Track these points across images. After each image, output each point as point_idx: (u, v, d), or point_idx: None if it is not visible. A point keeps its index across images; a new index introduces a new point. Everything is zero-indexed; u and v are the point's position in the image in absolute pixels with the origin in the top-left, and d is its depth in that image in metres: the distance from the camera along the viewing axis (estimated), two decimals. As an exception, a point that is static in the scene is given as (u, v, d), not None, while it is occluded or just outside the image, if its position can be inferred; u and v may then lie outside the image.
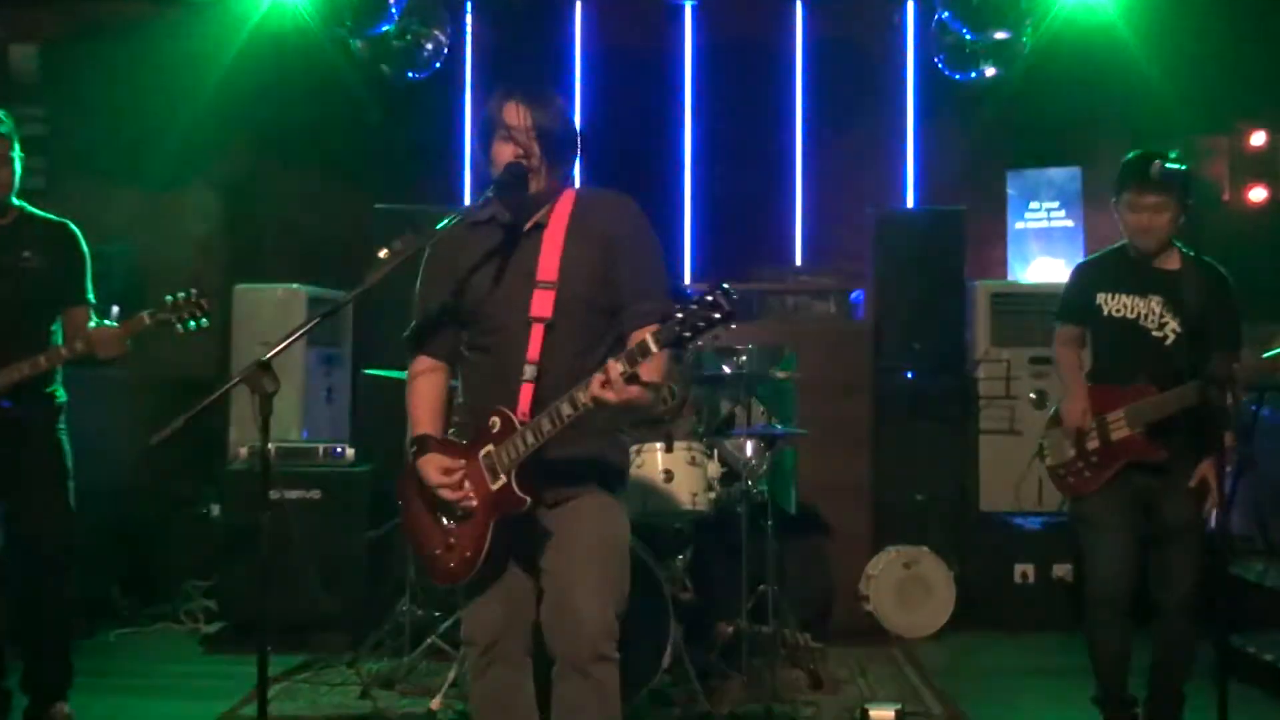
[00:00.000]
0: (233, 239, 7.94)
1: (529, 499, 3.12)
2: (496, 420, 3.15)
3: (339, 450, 6.41)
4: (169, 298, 4.43)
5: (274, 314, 6.86)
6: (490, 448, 3.15)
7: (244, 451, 6.45)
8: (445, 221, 3.16)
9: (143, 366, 5.70)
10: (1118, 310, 4.43)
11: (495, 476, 3.15)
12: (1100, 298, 4.47)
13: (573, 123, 3.28)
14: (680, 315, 2.75)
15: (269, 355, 3.03)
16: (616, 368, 2.87)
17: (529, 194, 3.21)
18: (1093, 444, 4.41)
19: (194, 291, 4.43)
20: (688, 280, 8.03)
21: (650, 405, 3.08)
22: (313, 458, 6.39)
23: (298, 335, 3.11)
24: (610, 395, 2.88)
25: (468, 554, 3.20)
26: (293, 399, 6.84)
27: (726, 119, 8.18)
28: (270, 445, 6.20)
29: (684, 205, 8.21)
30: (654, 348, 2.79)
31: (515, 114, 3.18)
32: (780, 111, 8.19)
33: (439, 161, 8.15)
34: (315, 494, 6.24)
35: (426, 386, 3.37)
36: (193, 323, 4.44)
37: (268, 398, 3.04)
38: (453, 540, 3.23)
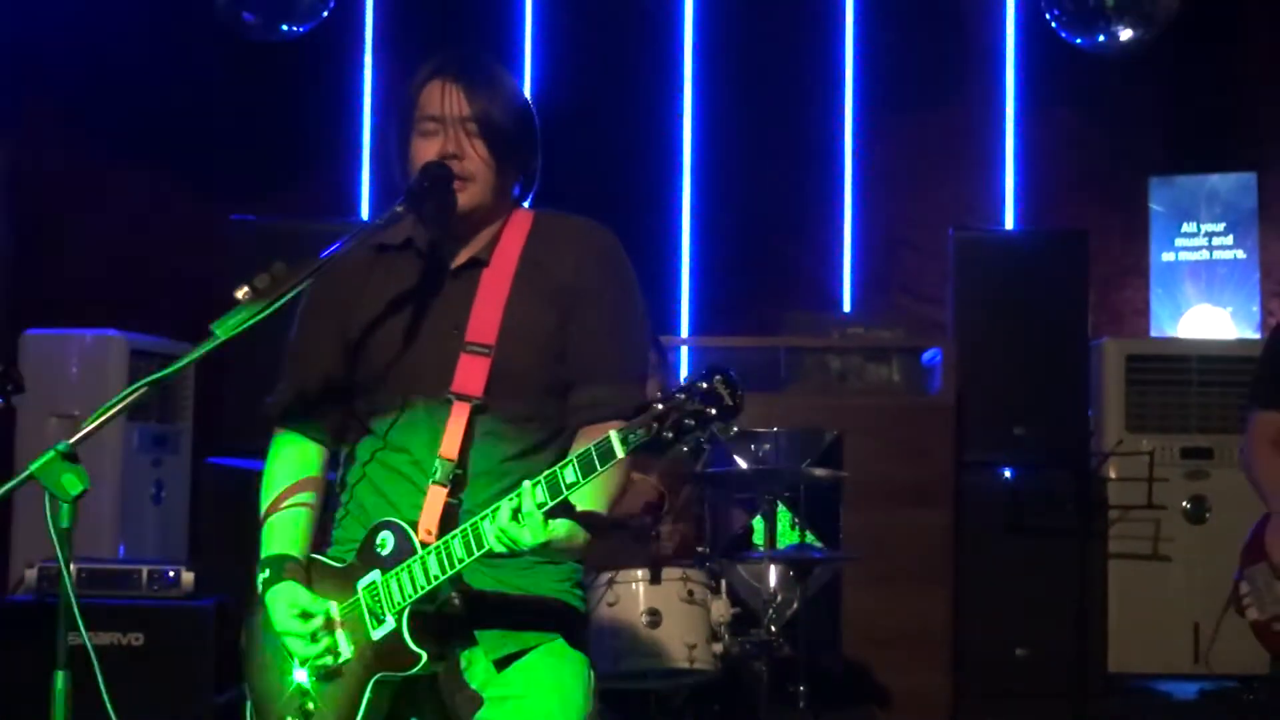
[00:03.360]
0: (18, 263, 7.92)
1: (423, 656, 3.09)
2: (388, 537, 3.14)
3: (172, 575, 6.35)
4: None
5: (79, 373, 6.85)
6: (375, 577, 3.14)
7: (31, 574, 6.41)
8: (336, 246, 3.15)
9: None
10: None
11: (379, 619, 3.13)
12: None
13: (530, 114, 3.30)
14: (661, 408, 2.75)
15: (74, 440, 3.01)
16: (530, 496, 2.86)
17: (458, 211, 3.22)
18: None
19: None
20: (684, 334, 8.04)
21: (584, 550, 3.08)
22: (134, 585, 6.34)
23: (114, 411, 3.08)
24: (524, 535, 2.87)
25: None
26: (105, 499, 6.82)
27: (743, 102, 8.25)
28: (73, 566, 6.23)
29: (681, 226, 8.26)
30: (619, 450, 2.79)
31: (444, 99, 3.19)
32: (821, 90, 8.26)
33: (324, 156, 8.18)
34: (136, 639, 6.19)
35: (294, 484, 3.35)
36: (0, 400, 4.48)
37: (70, 502, 3.00)
38: (311, 706, 3.21)
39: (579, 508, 2.93)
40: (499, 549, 2.94)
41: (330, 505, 3.41)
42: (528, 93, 7.64)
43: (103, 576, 6.30)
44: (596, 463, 2.82)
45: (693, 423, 2.74)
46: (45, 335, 7.04)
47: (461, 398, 3.18)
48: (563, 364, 3.22)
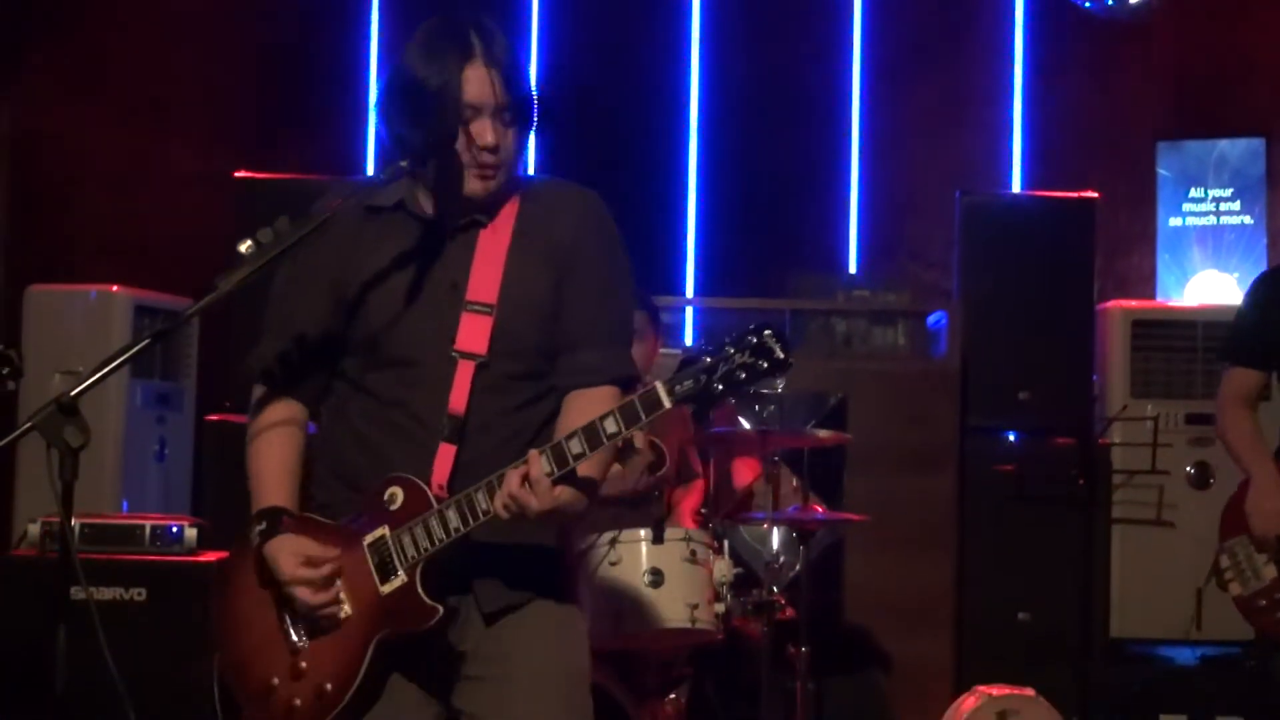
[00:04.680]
0: (22, 219, 7.92)
1: (440, 610, 3.10)
2: (397, 492, 3.14)
3: (175, 530, 6.36)
4: None
5: (83, 329, 6.85)
6: (383, 532, 3.13)
7: (34, 530, 6.42)
8: (336, 200, 3.16)
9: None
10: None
11: (388, 575, 3.13)
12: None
13: (529, 71, 3.31)
14: (709, 360, 2.79)
15: (75, 391, 3.00)
16: (538, 462, 2.92)
17: (482, 195, 3.22)
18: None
19: None
20: (690, 295, 8.03)
21: (584, 509, 3.12)
22: (137, 541, 6.35)
23: (117, 364, 3.08)
24: (532, 502, 2.93)
25: (327, 688, 3.15)
26: (108, 455, 6.84)
27: (750, 64, 8.23)
28: (76, 522, 6.24)
29: (687, 187, 8.25)
30: (666, 401, 2.84)
31: (490, 87, 3.16)
32: (829, 52, 8.24)
33: (329, 113, 8.16)
34: (139, 594, 6.20)
35: (280, 439, 3.35)
36: None
37: (72, 454, 3.00)
38: (305, 665, 3.19)
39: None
40: (505, 516, 2.98)
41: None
42: (533, 52, 7.57)
43: (106, 532, 6.31)
44: (641, 413, 2.88)
45: (743, 375, 2.79)
46: (49, 291, 7.05)
47: (466, 355, 3.18)
48: (556, 325, 3.23)
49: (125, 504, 6.89)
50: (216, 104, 8.01)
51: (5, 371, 4.48)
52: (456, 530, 3.06)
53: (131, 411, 7.02)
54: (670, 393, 2.82)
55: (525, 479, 2.93)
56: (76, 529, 6.24)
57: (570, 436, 2.94)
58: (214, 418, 6.91)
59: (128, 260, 7.50)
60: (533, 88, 3.24)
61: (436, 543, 3.08)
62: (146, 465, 7.13)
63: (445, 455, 3.15)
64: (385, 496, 3.15)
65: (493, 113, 3.16)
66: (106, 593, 6.07)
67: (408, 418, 3.21)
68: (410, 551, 3.11)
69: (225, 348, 6.94)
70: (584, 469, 2.98)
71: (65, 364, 6.52)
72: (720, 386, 2.79)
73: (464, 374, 3.18)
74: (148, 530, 6.36)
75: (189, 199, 7.60)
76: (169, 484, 7.25)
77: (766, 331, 2.78)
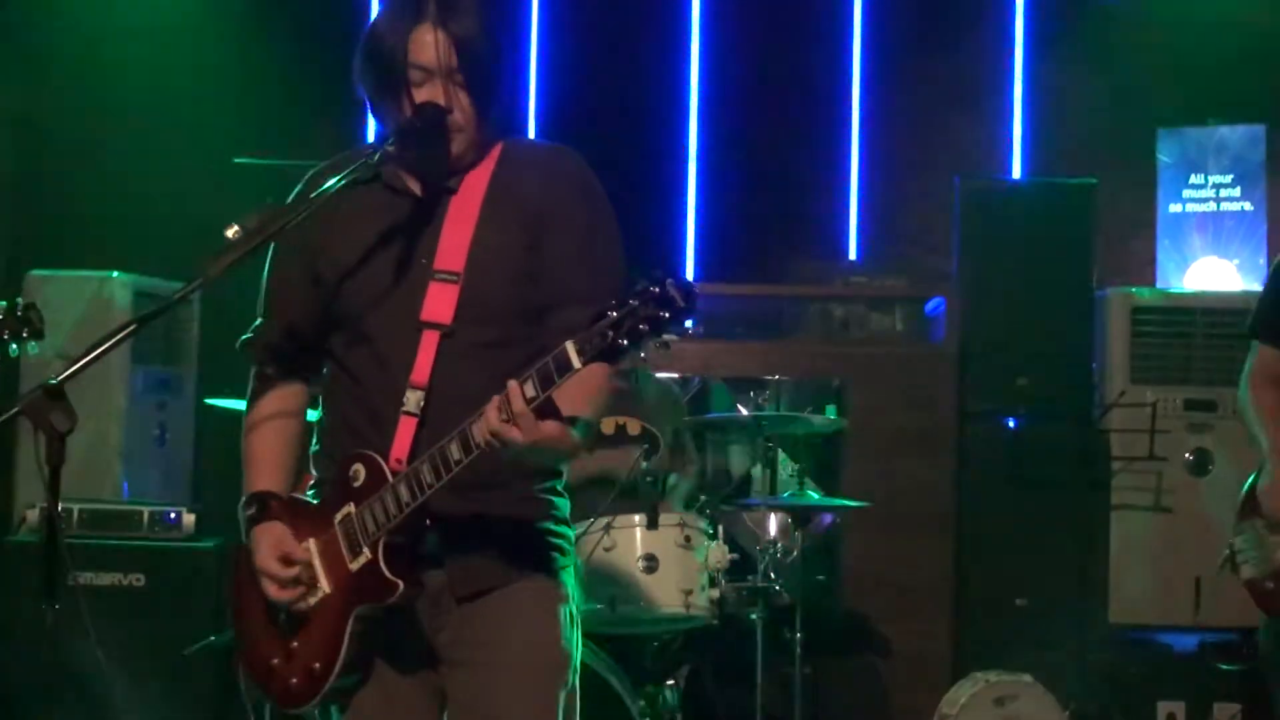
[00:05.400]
0: (22, 203, 7.91)
1: (400, 585, 3.10)
2: (360, 469, 3.15)
3: (173, 516, 6.38)
4: None
5: (84, 314, 6.84)
6: (350, 509, 3.15)
7: (33, 515, 6.43)
8: (329, 184, 3.14)
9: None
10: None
11: (356, 552, 3.14)
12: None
13: (506, 52, 3.27)
14: (613, 314, 2.75)
15: (61, 377, 3.01)
16: (520, 392, 2.86)
17: (446, 156, 3.20)
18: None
19: (20, 301, 4.44)
20: (689, 279, 8.02)
21: (574, 449, 3.09)
22: (135, 526, 6.36)
23: (104, 349, 3.09)
24: (514, 433, 2.88)
25: (315, 666, 3.19)
26: (109, 440, 6.83)
27: (750, 47, 8.21)
28: (74, 507, 6.24)
29: (687, 172, 8.23)
30: (575, 361, 2.79)
31: (435, 49, 3.14)
32: (829, 36, 8.22)
33: (328, 99, 8.11)
34: (137, 579, 6.22)
35: (274, 423, 3.38)
36: (15, 346, 4.47)
37: (59, 439, 3.01)
38: (295, 646, 3.23)
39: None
40: (488, 450, 2.94)
41: (308, 445, 3.43)
42: (534, 34, 7.51)
43: (104, 517, 6.34)
44: (555, 374, 2.84)
45: (646, 328, 2.74)
46: (49, 276, 7.03)
47: (430, 325, 3.17)
48: (535, 287, 3.21)
49: (126, 489, 6.88)
50: (217, 89, 7.99)
51: (25, 333, 4.49)
52: (406, 504, 3.05)
53: (132, 396, 7.01)
54: (580, 352, 2.78)
55: (505, 411, 2.88)
56: (76, 514, 6.26)
57: (523, 381, 2.87)
58: (215, 402, 6.91)
59: (128, 245, 7.48)
60: (490, 51, 3.19)
61: (390, 517, 3.08)
62: (147, 450, 7.12)
63: (406, 428, 3.15)
64: (350, 473, 3.16)
65: (445, 75, 3.15)
66: (105, 578, 6.12)
67: (378, 393, 3.21)
68: (371, 527, 3.11)
69: (226, 332, 6.92)
70: (570, 403, 2.95)
71: (65, 349, 6.51)
72: (625, 341, 2.74)
73: (428, 344, 3.16)
74: (146, 515, 6.38)
75: (189, 184, 7.58)
76: (170, 469, 7.25)
77: (669, 280, 2.72)
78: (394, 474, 3.09)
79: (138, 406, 7.05)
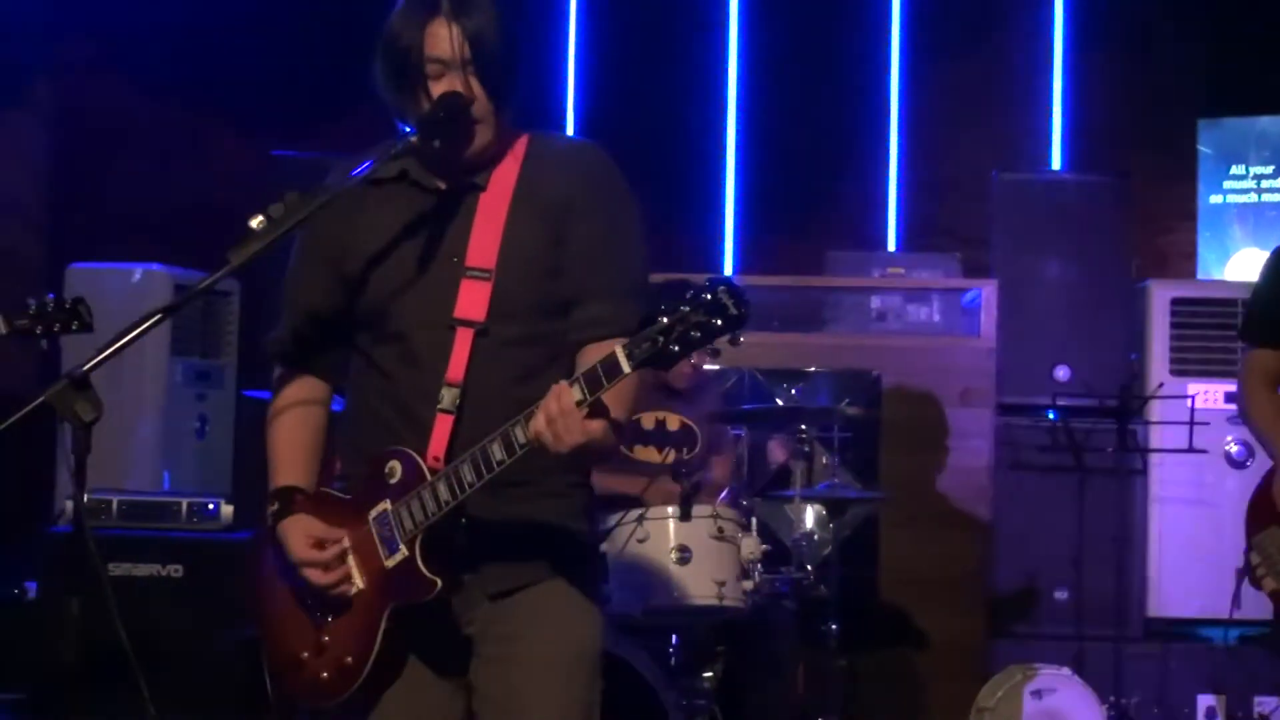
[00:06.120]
0: (64, 197, 7.95)
1: (439, 582, 3.09)
2: (396, 466, 3.14)
3: (212, 507, 6.39)
4: (31, 301, 4.49)
5: (125, 307, 6.85)
6: (385, 505, 3.14)
7: (70, 507, 6.46)
8: (357, 171, 3.13)
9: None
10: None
11: (392, 549, 3.13)
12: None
13: (519, 41, 3.23)
14: (665, 321, 2.74)
15: (86, 367, 3.03)
16: (568, 395, 2.85)
17: (469, 148, 3.19)
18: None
19: (67, 296, 4.48)
20: (728, 272, 8.01)
21: (614, 450, 3.09)
22: (174, 517, 6.38)
23: (130, 338, 3.11)
24: (560, 435, 2.87)
25: (347, 660, 3.17)
26: (149, 432, 6.87)
27: (788, 41, 8.20)
28: (113, 498, 6.27)
29: (725, 165, 8.23)
30: (625, 366, 2.79)
31: (450, 41, 3.13)
32: (868, 30, 8.22)
33: (365, 92, 8.13)
34: (175, 570, 6.24)
35: (297, 418, 3.38)
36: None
37: (84, 428, 3.02)
38: (326, 639, 3.21)
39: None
40: (531, 451, 2.93)
41: (333, 442, 3.41)
42: (572, 33, 7.52)
43: (143, 509, 6.36)
44: (603, 379, 2.83)
45: (698, 334, 2.74)
46: (90, 269, 7.07)
47: (464, 323, 3.15)
48: (559, 282, 3.18)
49: (166, 480, 6.91)
50: (256, 82, 8.03)
51: (75, 325, 4.54)
52: (446, 503, 3.05)
53: (172, 388, 7.05)
54: (629, 357, 2.78)
55: (552, 415, 2.87)
56: (115, 505, 6.29)
57: (571, 384, 2.86)
58: (254, 394, 6.93)
59: (168, 238, 7.52)
60: (503, 42, 3.17)
61: (429, 514, 3.07)
62: (187, 442, 7.17)
63: (443, 426, 3.13)
64: (385, 470, 3.15)
65: (460, 67, 3.13)
66: (144, 569, 6.13)
67: (410, 391, 3.20)
68: (408, 524, 3.10)
69: (266, 324, 6.95)
70: (616, 405, 2.94)
71: (104, 341, 6.56)
72: (676, 348, 2.74)
73: (462, 342, 3.15)
74: (184, 507, 6.40)
75: (228, 177, 7.62)
76: (209, 460, 7.29)
77: (721, 288, 2.72)
78: (432, 472, 3.08)
79: (177, 398, 7.10)
